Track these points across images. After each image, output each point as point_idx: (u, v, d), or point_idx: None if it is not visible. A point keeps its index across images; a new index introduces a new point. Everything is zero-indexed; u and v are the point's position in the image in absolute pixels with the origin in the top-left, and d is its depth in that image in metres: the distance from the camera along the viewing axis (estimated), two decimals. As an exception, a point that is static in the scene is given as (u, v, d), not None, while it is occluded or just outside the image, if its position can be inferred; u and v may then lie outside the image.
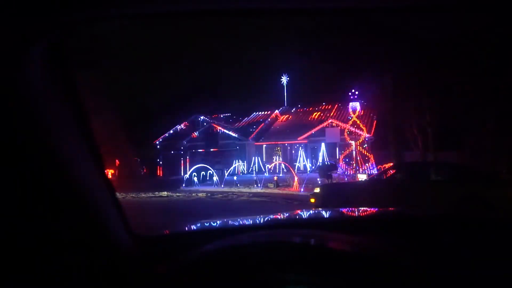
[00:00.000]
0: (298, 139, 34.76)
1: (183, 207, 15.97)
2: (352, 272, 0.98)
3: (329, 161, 27.45)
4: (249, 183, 23.82)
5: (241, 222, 2.23)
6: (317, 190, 11.40)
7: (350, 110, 26.98)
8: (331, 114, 36.17)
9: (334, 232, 1.27)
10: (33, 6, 0.86)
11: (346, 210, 2.69)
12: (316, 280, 0.99)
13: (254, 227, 1.95)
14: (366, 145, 25.98)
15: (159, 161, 40.35)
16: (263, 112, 42.23)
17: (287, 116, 41.36)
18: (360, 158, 25.32)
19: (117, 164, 35.02)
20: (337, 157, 29.34)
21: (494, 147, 22.69)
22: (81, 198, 1.15)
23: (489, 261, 1.26)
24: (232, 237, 1.23)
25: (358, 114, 26.90)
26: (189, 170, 27.12)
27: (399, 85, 23.70)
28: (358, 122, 26.75)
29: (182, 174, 29.05)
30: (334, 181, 20.29)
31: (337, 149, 31.58)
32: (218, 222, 2.41)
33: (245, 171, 32.16)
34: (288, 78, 44.57)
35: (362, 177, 22.15)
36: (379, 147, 27.76)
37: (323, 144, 32.96)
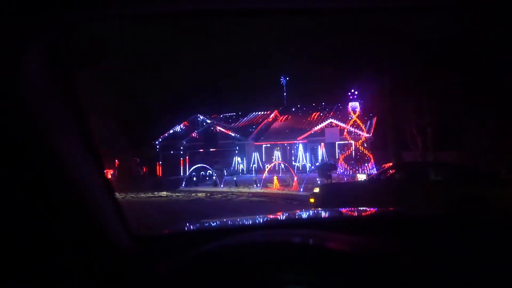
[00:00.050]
0: (298, 139, 34.76)
1: (183, 207, 15.97)
2: (352, 272, 0.98)
3: (328, 161, 27.46)
4: (249, 183, 23.82)
5: (240, 222, 2.23)
6: (316, 190, 11.40)
7: (350, 110, 26.95)
8: (331, 114, 36.18)
9: (334, 232, 1.27)
10: (33, 5, 0.86)
11: (345, 210, 2.69)
12: (316, 280, 0.99)
13: (254, 227, 1.95)
14: (365, 145, 25.96)
15: (159, 161, 40.33)
16: (262, 112, 42.22)
17: (286, 116, 41.36)
18: (359, 158, 25.28)
19: (116, 164, 35.04)
20: (337, 157, 29.33)
21: (494, 147, 22.70)
22: (80, 198, 1.15)
23: (489, 261, 1.27)
24: (231, 237, 1.23)
25: (358, 114, 26.87)
26: (188, 170, 27.13)
27: (398, 85, 23.70)
28: (358, 122, 26.73)
29: (181, 174, 29.08)
30: (334, 181, 20.30)
31: (336, 149, 31.59)
32: (217, 222, 2.41)
33: (245, 171, 32.18)
34: (287, 78, 44.63)
35: (361, 177, 22.15)
36: (379, 147, 27.76)
37: (322, 144, 32.97)
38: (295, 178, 20.95)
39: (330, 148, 32.69)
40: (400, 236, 1.49)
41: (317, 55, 24.52)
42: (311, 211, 3.78)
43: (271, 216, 2.38)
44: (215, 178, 24.70)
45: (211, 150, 36.89)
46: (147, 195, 20.53)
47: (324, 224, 1.98)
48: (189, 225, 2.08)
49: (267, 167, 25.56)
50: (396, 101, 24.28)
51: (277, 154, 35.56)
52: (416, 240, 1.48)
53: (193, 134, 39.18)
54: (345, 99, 29.37)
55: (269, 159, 35.18)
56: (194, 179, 26.13)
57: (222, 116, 43.72)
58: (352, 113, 26.75)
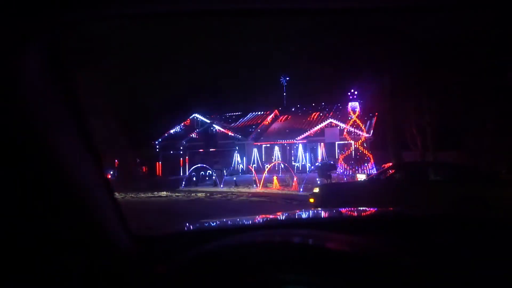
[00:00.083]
0: (297, 139, 34.77)
1: (182, 207, 15.96)
2: (352, 272, 0.98)
3: (328, 161, 27.46)
4: (248, 183, 23.82)
5: (240, 222, 2.23)
6: (316, 190, 11.40)
7: (350, 110, 26.95)
8: (330, 114, 36.18)
9: (333, 232, 1.27)
10: (33, 5, 0.86)
11: (345, 210, 2.69)
12: (316, 280, 0.99)
13: (253, 227, 1.95)
14: (365, 145, 25.96)
15: (158, 161, 40.33)
16: (262, 112, 42.23)
17: (286, 116, 41.36)
18: (359, 158, 25.28)
19: (116, 164, 35.02)
20: (336, 157, 29.33)
21: (494, 147, 22.72)
22: (80, 198, 1.15)
23: (489, 261, 1.27)
24: (231, 237, 1.23)
25: (357, 114, 26.88)
26: (188, 170, 27.12)
27: (398, 85, 23.72)
28: (358, 122, 26.74)
29: (181, 174, 29.10)
30: (333, 181, 20.30)
31: (336, 149, 31.60)
32: (217, 222, 2.41)
33: (245, 171, 32.18)
34: (287, 78, 44.64)
35: (361, 177, 22.16)
36: (379, 147, 27.77)
37: (322, 144, 32.98)
38: (295, 178, 20.95)
39: (329, 148, 32.71)
40: (400, 236, 1.49)
41: (317, 55, 24.54)
42: (310, 211, 3.77)
43: (271, 216, 2.38)
44: (215, 178, 24.68)
45: (210, 150, 36.89)
46: (147, 195, 20.52)
47: (324, 224, 1.97)
48: (189, 225, 2.08)
49: (267, 167, 25.56)
50: (396, 101, 24.30)
51: (277, 154, 35.58)
52: (416, 240, 1.48)
53: (193, 134, 39.18)
54: (345, 99, 29.41)
55: (269, 159, 35.19)
56: (194, 179, 26.11)
57: (222, 116, 43.72)
58: (352, 113, 26.76)
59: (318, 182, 18.89)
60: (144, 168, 38.57)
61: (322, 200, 10.65)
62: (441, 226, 1.71)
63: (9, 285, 1.11)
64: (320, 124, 34.20)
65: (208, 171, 26.90)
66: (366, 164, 25.00)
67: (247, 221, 2.24)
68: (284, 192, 19.94)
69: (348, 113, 27.58)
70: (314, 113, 38.60)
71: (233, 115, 43.77)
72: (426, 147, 25.62)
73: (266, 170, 23.77)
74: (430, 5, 0.92)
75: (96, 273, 1.21)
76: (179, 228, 2.06)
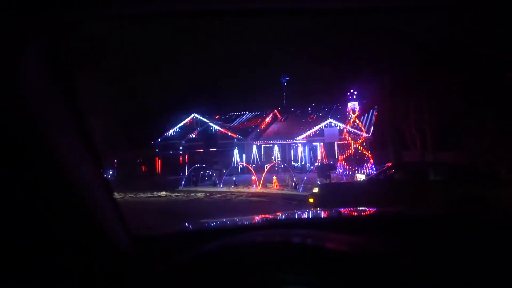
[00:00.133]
0: (297, 139, 34.78)
1: (182, 207, 15.96)
2: (351, 272, 0.98)
3: (328, 161, 27.47)
4: (248, 183, 23.81)
5: (239, 222, 2.23)
6: (315, 190, 11.40)
7: (350, 110, 26.93)
8: (330, 114, 36.17)
9: (333, 232, 1.27)
10: (32, 6, 0.86)
11: (345, 210, 2.69)
12: (316, 280, 0.99)
13: (253, 227, 1.95)
14: (365, 145, 25.95)
15: (158, 161, 40.32)
16: (262, 112, 42.23)
17: (286, 116, 41.35)
18: (358, 158, 25.27)
19: (116, 164, 35.02)
20: (336, 157, 29.34)
21: (493, 147, 22.73)
22: (79, 198, 1.15)
23: (489, 261, 1.27)
24: (231, 237, 1.23)
25: (357, 114, 26.86)
26: (187, 170, 27.08)
27: (398, 85, 23.72)
28: (357, 122, 26.72)
29: (180, 174, 29.09)
30: (333, 181, 20.31)
31: (335, 149, 31.61)
32: (216, 222, 2.41)
33: (244, 171, 32.16)
34: (287, 78, 44.61)
35: (360, 177, 22.16)
36: (378, 147, 27.75)
37: (321, 144, 32.98)
38: (294, 178, 20.95)
39: (329, 148, 32.71)
40: (400, 236, 1.49)
41: (316, 55, 24.50)
42: (310, 211, 3.78)
43: (270, 216, 2.38)
44: (214, 178, 24.67)
45: (210, 150, 36.87)
46: (146, 195, 20.50)
47: (324, 224, 1.97)
48: (189, 225, 2.08)
49: (266, 167, 25.55)
50: (395, 101, 24.30)
51: (276, 154, 35.58)
52: (416, 240, 1.48)
53: (192, 134, 39.17)
54: (344, 99, 29.42)
55: (268, 159, 35.20)
56: (194, 179, 26.07)
57: (222, 116, 43.72)
58: (351, 113, 26.74)
59: (318, 182, 18.89)
60: (143, 168, 38.55)
61: (322, 200, 10.65)
62: (441, 226, 1.71)
63: (9, 285, 1.11)
64: (319, 124, 34.19)
65: (207, 171, 26.88)
66: (365, 164, 24.99)
67: (246, 221, 2.25)
68: (283, 192, 19.94)
69: (347, 113, 27.56)
70: (313, 113, 38.60)
71: (233, 115, 43.77)
72: (425, 147, 25.63)
73: (266, 170, 23.75)
74: (430, 5, 0.92)
75: (96, 273, 1.21)
76: (178, 228, 2.06)
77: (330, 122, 33.50)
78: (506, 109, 19.93)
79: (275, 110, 42.14)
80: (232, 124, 40.90)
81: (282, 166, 26.75)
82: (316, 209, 8.67)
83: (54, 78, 1.05)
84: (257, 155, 36.50)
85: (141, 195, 20.63)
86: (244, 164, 30.19)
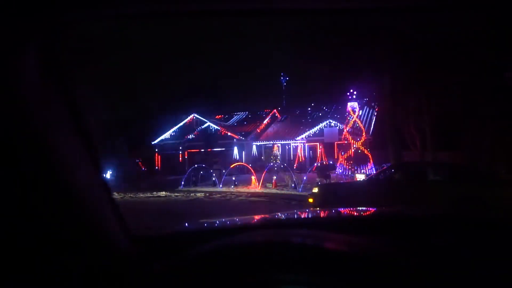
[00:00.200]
0: (297, 139, 34.79)
1: (181, 207, 15.96)
2: (351, 272, 0.98)
3: (327, 161, 27.47)
4: (248, 183, 23.81)
5: (239, 222, 2.23)
6: (315, 190, 11.41)
7: (350, 110, 26.92)
8: (330, 114, 36.18)
9: (333, 232, 1.27)
10: (32, 6, 0.86)
11: (344, 210, 2.69)
12: (315, 280, 0.99)
13: (252, 227, 1.95)
14: (364, 145, 25.95)
15: (158, 161, 40.32)
16: (261, 112, 42.26)
17: (285, 115, 41.38)
18: (358, 158, 25.28)
19: (115, 164, 35.00)
20: (336, 157, 29.34)
21: (493, 147, 22.73)
22: (78, 198, 1.15)
23: (489, 261, 1.27)
24: (230, 237, 1.23)
25: (357, 114, 26.87)
26: (187, 170, 27.05)
27: (397, 85, 23.70)
28: (357, 122, 26.72)
29: (180, 174, 29.06)
30: (333, 181, 20.31)
31: (335, 149, 31.61)
32: (216, 222, 2.41)
33: (244, 171, 32.18)
34: (287, 78, 44.64)
35: (360, 177, 22.16)
36: (378, 147, 27.73)
37: (321, 144, 33.00)
38: (294, 178, 20.95)
39: (329, 148, 32.73)
40: (400, 236, 1.49)
41: (316, 55, 24.43)
42: (310, 211, 3.78)
43: (270, 216, 2.38)
44: (214, 178, 24.67)
45: (210, 150, 36.87)
46: (146, 195, 20.50)
47: (323, 224, 1.98)
48: (188, 225, 2.08)
49: (266, 167, 25.54)
50: (395, 101, 24.27)
51: (276, 154, 35.58)
52: (415, 240, 1.48)
53: (192, 134, 39.16)
54: (344, 99, 29.43)
55: (268, 159, 35.20)
56: (193, 179, 26.05)
57: (221, 116, 43.76)
58: (351, 113, 26.74)
59: (318, 182, 18.89)
60: (143, 168, 38.54)
61: (321, 200, 10.66)
62: (441, 226, 1.71)
63: (9, 285, 1.11)
64: (319, 124, 34.22)
65: (207, 171, 26.85)
66: (365, 164, 25.00)
67: (246, 221, 2.25)
68: (283, 192, 19.94)
69: (347, 113, 27.56)
70: (313, 113, 38.61)
71: (233, 115, 43.81)
72: (425, 147, 25.61)
73: (266, 170, 23.75)
74: (430, 5, 0.92)
75: (96, 273, 1.21)
76: (178, 228, 2.06)
77: (329, 122, 33.52)
78: (505, 109, 19.92)
79: (275, 110, 42.18)
80: (231, 124, 40.92)
81: (282, 166, 26.74)
82: (315, 209, 8.66)
83: (53, 78, 1.05)
84: (256, 155, 36.50)
85: (141, 195, 20.63)
86: (244, 164, 30.16)
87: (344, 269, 0.99)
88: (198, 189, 23.58)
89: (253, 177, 23.24)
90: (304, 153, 34.51)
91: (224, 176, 24.83)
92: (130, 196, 19.82)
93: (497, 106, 20.47)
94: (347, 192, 11.11)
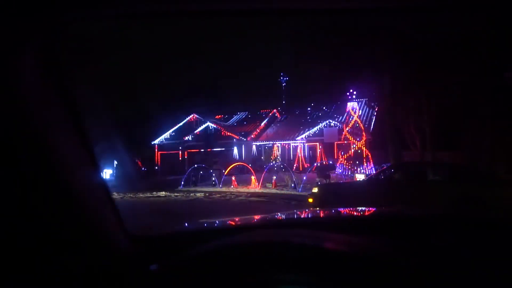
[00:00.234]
0: (296, 139, 34.79)
1: (181, 207, 15.95)
2: (351, 272, 0.98)
3: (327, 161, 27.47)
4: (247, 183, 23.80)
5: (239, 222, 2.23)
6: (315, 190, 11.40)
7: (350, 110, 26.91)
8: (329, 114, 36.18)
9: (332, 232, 1.27)
10: (31, 6, 0.86)
11: (344, 210, 2.69)
12: (315, 280, 0.99)
13: (252, 227, 1.95)
14: (364, 145, 25.95)
15: (157, 161, 40.32)
16: (261, 112, 42.26)
17: (285, 115, 41.38)
18: (358, 158, 25.28)
19: (115, 164, 34.99)
20: (335, 157, 29.34)
21: (493, 147, 22.73)
22: (78, 199, 1.15)
23: (489, 261, 1.27)
24: (230, 237, 1.23)
25: (357, 114, 26.87)
26: (187, 170, 27.03)
27: (397, 85, 23.70)
28: (358, 121, 26.72)
29: (180, 174, 29.06)
30: (332, 181, 20.31)
31: (335, 149, 31.61)
32: (215, 222, 2.41)
33: (244, 171, 32.19)
34: (287, 78, 44.63)
35: (360, 177, 22.16)
36: (377, 147, 27.73)
37: (321, 144, 32.99)
38: (294, 178, 20.94)
39: (328, 148, 32.71)
40: (400, 236, 1.49)
41: (316, 55, 24.44)
42: (309, 211, 3.78)
43: (270, 216, 2.38)
44: (214, 178, 24.67)
45: (210, 150, 36.87)
46: (146, 195, 20.47)
47: (323, 224, 1.97)
48: (188, 225, 2.08)
49: (266, 167, 25.54)
50: (395, 101, 24.27)
51: (276, 154, 35.57)
52: (415, 240, 1.48)
53: (192, 134, 39.16)
54: (343, 99, 29.42)
55: (268, 159, 35.19)
56: (193, 179, 26.03)
57: (221, 116, 43.76)
58: (352, 113, 26.74)
59: (317, 182, 18.89)
60: (143, 168, 38.53)
61: (321, 200, 10.66)
62: (441, 226, 1.71)
63: (9, 285, 1.11)
64: (319, 124, 34.22)
65: (207, 171, 26.83)
66: (365, 164, 24.99)
67: (246, 221, 2.25)
68: (283, 192, 19.93)
69: (347, 113, 27.56)
70: (313, 113, 38.61)
71: (233, 115, 43.81)
72: (425, 147, 25.61)
73: (265, 170, 23.75)
74: (430, 5, 0.92)
75: (96, 273, 1.21)
76: (177, 228, 2.06)
77: (329, 122, 33.51)
78: (505, 109, 19.92)
79: (275, 110, 42.17)
80: (231, 124, 40.92)
81: (282, 166, 26.73)
82: (315, 209, 8.66)
83: (53, 78, 1.05)
84: (256, 155, 36.49)
85: (141, 195, 20.60)
86: (243, 164, 30.16)
87: (344, 269, 0.99)
88: (198, 189, 23.57)
89: (253, 177, 23.23)
90: (304, 153, 34.49)
91: (224, 176, 24.82)
92: (130, 196, 19.80)
93: (497, 106, 20.47)
94: (347, 192, 11.12)
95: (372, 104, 31.87)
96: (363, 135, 26.00)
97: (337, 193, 11.15)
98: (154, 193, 21.49)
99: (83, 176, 1.19)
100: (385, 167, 14.69)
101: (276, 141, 36.37)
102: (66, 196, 1.12)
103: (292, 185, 20.67)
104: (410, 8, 0.93)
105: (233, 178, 24.18)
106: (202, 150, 37.22)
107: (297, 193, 18.74)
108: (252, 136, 37.50)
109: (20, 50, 0.93)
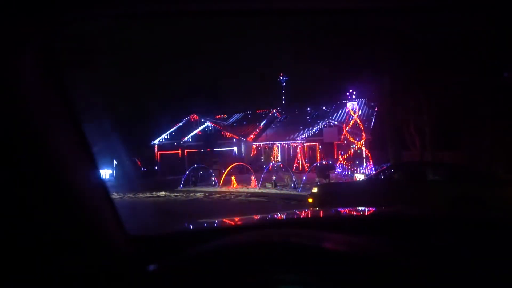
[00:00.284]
0: (296, 139, 34.78)
1: (181, 207, 15.95)
2: (350, 272, 0.98)
3: (326, 161, 27.48)
4: (247, 183, 23.80)
5: (238, 222, 2.23)
6: (314, 190, 11.40)
7: (350, 109, 26.91)
8: (329, 114, 36.19)
9: (332, 232, 1.27)
10: (31, 6, 0.86)
11: (343, 210, 2.69)
12: (314, 280, 0.99)
13: (252, 227, 1.95)
14: (364, 145, 25.96)
15: (157, 161, 40.32)
16: (261, 112, 42.26)
17: (285, 115, 41.38)
18: (357, 158, 25.28)
19: (115, 164, 35.00)
20: (335, 157, 29.34)
21: (492, 147, 22.74)
22: (77, 199, 1.15)
23: (489, 261, 1.27)
24: (229, 237, 1.23)
25: (356, 114, 26.87)
26: (187, 170, 27.02)
27: (397, 85, 23.70)
28: (358, 121, 26.72)
29: (180, 174, 29.07)
30: (332, 181, 20.32)
31: (335, 149, 31.60)
32: (214, 222, 2.41)
33: (243, 171, 32.19)
34: (286, 78, 44.60)
35: (359, 177, 22.16)
36: (377, 147, 27.75)
37: (320, 144, 32.99)
38: (294, 178, 20.94)
39: (328, 148, 32.71)
40: (399, 236, 1.49)
41: (316, 55, 24.44)
42: (309, 211, 3.78)
43: (269, 216, 2.38)
44: (214, 178, 24.67)
45: (209, 150, 36.87)
46: (145, 195, 20.47)
47: (323, 224, 1.98)
48: (187, 225, 2.08)
49: (266, 167, 25.54)
50: (395, 101, 24.27)
51: (275, 153, 35.57)
52: (415, 240, 1.48)
53: (192, 134, 39.17)
54: (343, 99, 29.41)
55: (267, 159, 35.20)
56: (193, 179, 26.02)
57: (221, 115, 43.77)
58: (351, 112, 26.74)
59: (317, 182, 18.89)
60: (142, 168, 38.54)
61: (321, 200, 10.66)
62: (440, 226, 1.71)
63: (9, 285, 1.11)
64: (318, 124, 34.22)
65: (207, 171, 26.83)
66: (364, 164, 25.00)
67: (246, 221, 2.25)
68: (282, 192, 19.93)
69: (347, 113, 27.57)
70: (313, 113, 38.60)
71: (232, 115, 43.81)
72: (425, 147, 25.62)
73: (265, 170, 23.75)
74: (430, 5, 0.92)
75: (96, 273, 1.21)
76: (177, 228, 2.06)
77: (329, 122, 33.51)
78: (505, 109, 19.93)
79: (274, 110, 42.18)
80: (231, 124, 40.93)
81: (281, 166, 26.74)
82: (315, 209, 8.66)
83: (53, 78, 1.05)
84: (256, 155, 36.49)
85: (140, 195, 20.60)
86: (243, 164, 30.17)
87: (343, 269, 0.99)
88: (198, 189, 23.56)
89: (252, 177, 23.23)
90: (303, 153, 34.49)
91: (223, 176, 24.83)
92: (130, 196, 19.80)
93: (497, 106, 20.48)
94: (347, 192, 11.12)
95: (372, 104, 31.87)
96: (363, 135, 25.99)
97: (337, 193, 11.15)
98: (154, 193, 21.48)
99: (82, 176, 1.19)
100: (384, 167, 14.69)
101: (276, 141, 36.36)
102: (66, 196, 1.12)
103: (292, 185, 20.67)
104: (410, 8, 0.94)
105: (233, 178, 24.18)
106: (202, 150, 37.21)
107: (297, 193, 18.74)
108: (252, 136, 37.50)
109: (20, 50, 0.93)
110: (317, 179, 20.77)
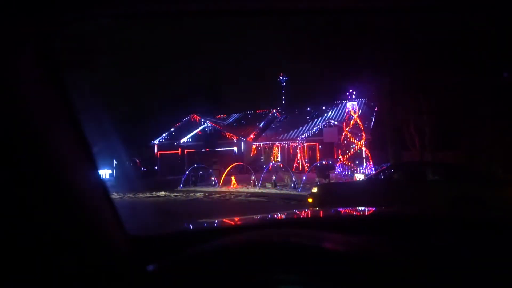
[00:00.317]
0: (296, 138, 34.78)
1: (181, 207, 15.95)
2: (350, 273, 0.98)
3: (326, 160, 27.50)
4: (247, 183, 23.81)
5: (238, 222, 2.23)
6: (314, 189, 11.40)
7: (350, 109, 26.91)
8: (329, 114, 36.19)
9: (332, 232, 1.27)
10: (29, 6, 0.86)
11: (343, 210, 2.69)
12: (314, 280, 0.99)
13: (252, 227, 1.95)
14: (364, 145, 25.95)
15: (157, 161, 40.32)
16: (261, 112, 42.27)
17: (285, 115, 41.38)
18: (357, 158, 25.28)
19: (115, 164, 35.00)
20: (335, 157, 29.34)
21: (491, 147, 22.74)
22: (77, 199, 1.15)
23: (489, 261, 1.27)
24: (229, 237, 1.23)
25: (356, 114, 26.86)
26: (186, 170, 27.03)
27: (397, 84, 23.69)
28: (358, 121, 26.71)
29: (179, 174, 29.09)
30: (332, 181, 20.32)
31: (334, 148, 31.60)
32: (214, 222, 2.41)
33: (243, 171, 32.20)
34: (286, 78, 44.60)
35: (359, 177, 22.16)
36: (377, 147, 27.74)
37: (320, 144, 32.98)
38: (293, 178, 20.94)
39: (328, 148, 32.71)
40: (399, 236, 1.49)
41: (316, 54, 24.43)
42: (309, 211, 3.78)
43: (269, 216, 2.38)
44: (214, 178, 24.68)
45: (209, 149, 36.87)
46: (145, 195, 20.47)
47: (322, 224, 1.98)
48: (187, 225, 2.08)
49: (265, 167, 25.55)
50: (395, 100, 24.27)
51: (275, 153, 35.57)
52: (415, 240, 1.48)
53: (192, 134, 39.16)
54: (343, 99, 29.41)
55: (267, 158, 35.20)
56: (193, 179, 26.03)
57: (221, 115, 43.77)
58: (351, 112, 26.74)
59: (317, 182, 18.89)
60: (142, 168, 38.54)
61: (321, 200, 10.66)
62: (440, 226, 1.71)
63: (9, 285, 1.11)
64: (318, 124, 34.22)
65: (206, 171, 26.84)
66: (364, 164, 25.00)
67: (246, 221, 2.25)
68: (282, 192, 19.94)
69: (346, 113, 27.57)
70: (312, 113, 38.61)
71: (232, 115, 43.82)
72: (424, 147, 25.60)
73: (265, 170, 23.75)
74: (430, 5, 0.92)
75: (95, 273, 1.21)
76: (177, 228, 2.06)
77: (329, 122, 33.51)
78: (505, 109, 19.92)
79: (274, 110, 42.18)
80: (231, 124, 40.93)
81: (281, 166, 26.75)
82: (315, 209, 8.66)
83: (52, 78, 1.05)
84: (256, 155, 36.49)
85: (140, 195, 20.60)
86: (243, 163, 30.17)
87: (343, 269, 0.99)
88: (198, 189, 23.57)
89: (252, 177, 23.24)
90: (303, 153, 34.49)
91: (223, 176, 24.84)
92: (130, 196, 19.80)
93: (497, 106, 20.46)
94: (347, 192, 11.12)
95: (372, 104, 31.87)
96: (363, 135, 25.99)
97: (337, 193, 11.15)
98: (154, 193, 21.49)
99: (82, 176, 1.19)
100: (384, 167, 14.69)
101: (276, 141, 36.35)
102: (65, 196, 1.12)
103: (292, 185, 20.67)
104: (410, 8, 0.94)
105: (233, 178, 24.19)
106: (202, 150, 37.21)
107: (297, 193, 18.74)
108: (252, 136, 37.50)
109: (20, 50, 0.93)
110: (317, 179, 20.77)
